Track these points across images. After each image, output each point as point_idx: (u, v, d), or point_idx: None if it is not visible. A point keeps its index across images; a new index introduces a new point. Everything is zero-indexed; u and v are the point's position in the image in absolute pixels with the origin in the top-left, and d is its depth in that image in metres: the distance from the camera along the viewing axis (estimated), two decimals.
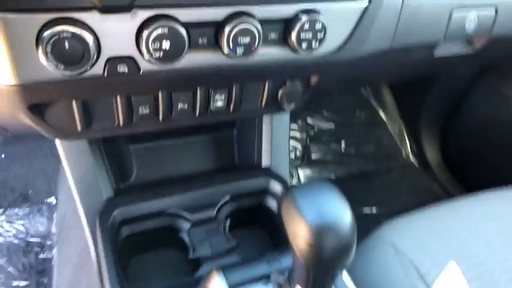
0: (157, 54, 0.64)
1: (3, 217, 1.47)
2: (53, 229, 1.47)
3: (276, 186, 1.06)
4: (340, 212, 0.56)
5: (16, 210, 1.49)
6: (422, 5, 0.87)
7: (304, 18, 0.72)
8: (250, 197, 1.06)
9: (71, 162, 0.93)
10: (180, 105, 0.82)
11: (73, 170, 0.94)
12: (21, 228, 1.46)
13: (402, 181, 1.90)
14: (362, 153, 1.96)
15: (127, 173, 1.17)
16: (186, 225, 0.99)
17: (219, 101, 0.84)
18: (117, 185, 1.07)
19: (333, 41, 0.80)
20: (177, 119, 0.85)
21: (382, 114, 2.05)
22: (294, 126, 1.89)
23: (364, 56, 0.86)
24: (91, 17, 0.60)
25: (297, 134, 1.89)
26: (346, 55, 0.83)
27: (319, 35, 0.74)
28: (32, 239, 1.45)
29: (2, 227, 1.45)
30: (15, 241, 1.44)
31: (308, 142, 1.90)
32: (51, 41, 0.57)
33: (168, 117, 0.83)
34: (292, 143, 1.87)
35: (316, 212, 0.55)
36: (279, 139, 1.14)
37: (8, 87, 0.63)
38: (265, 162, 1.13)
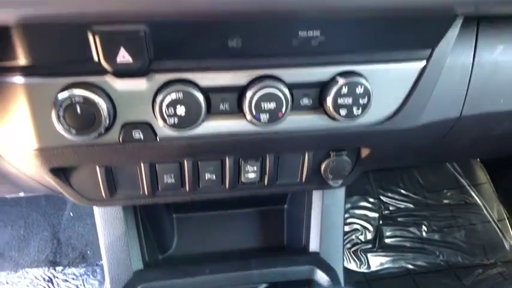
0: (171, 121, 0.60)
1: (61, 275, 1.51)
2: None
3: (323, 277, 0.89)
4: None
5: (73, 269, 1.52)
6: (500, 65, 0.71)
7: (341, 81, 0.62)
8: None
9: (104, 228, 0.91)
10: (207, 176, 0.75)
11: (105, 236, 0.91)
12: None
13: (505, 281, 1.51)
14: (449, 241, 1.64)
15: (167, 243, 1.12)
16: None
17: (250, 173, 0.76)
18: (152, 257, 1.01)
19: (381, 107, 0.67)
20: (205, 191, 0.78)
21: (474, 195, 1.74)
22: (365, 203, 1.69)
23: (425, 127, 0.71)
24: (107, 82, 0.58)
25: (368, 213, 1.68)
26: (401, 125, 0.69)
27: (362, 101, 0.63)
28: None
29: (59, 285, 1.48)
30: None
31: (381, 223, 1.66)
32: (63, 105, 0.57)
33: (195, 188, 0.76)
34: (362, 222, 1.66)
35: None
36: (331, 219, 0.99)
37: (29, 150, 0.63)
38: (313, 246, 0.98)
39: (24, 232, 1.65)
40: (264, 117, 0.62)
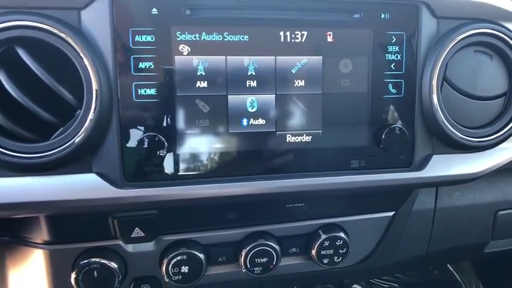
0: (176, 277, 0.68)
1: None
2: None
3: None
4: None
5: None
6: (458, 209, 0.83)
7: (323, 236, 0.72)
8: None
9: None
10: None
11: None
12: None
13: None
14: None
15: None
16: None
17: None
18: None
19: (357, 252, 0.78)
20: None
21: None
22: None
23: (396, 263, 0.82)
24: (119, 245, 0.67)
25: None
26: (374, 264, 0.80)
27: (341, 251, 0.73)
28: None
29: None
30: None
31: None
32: (82, 271, 0.64)
33: None
34: None
35: None
36: None
37: None
38: None
39: None
40: (258, 270, 0.71)
